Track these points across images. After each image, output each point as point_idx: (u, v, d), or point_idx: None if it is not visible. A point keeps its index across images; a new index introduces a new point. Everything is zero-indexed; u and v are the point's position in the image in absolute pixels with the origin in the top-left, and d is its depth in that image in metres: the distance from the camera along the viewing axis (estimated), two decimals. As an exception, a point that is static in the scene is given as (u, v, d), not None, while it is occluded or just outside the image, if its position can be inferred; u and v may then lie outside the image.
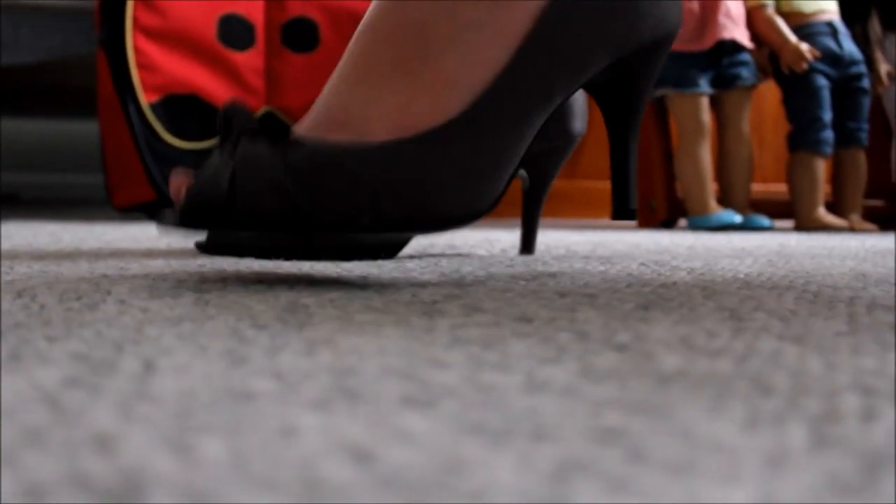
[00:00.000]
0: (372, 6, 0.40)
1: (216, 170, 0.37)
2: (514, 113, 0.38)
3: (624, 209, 0.45)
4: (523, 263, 0.56)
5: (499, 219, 1.67)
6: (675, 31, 0.44)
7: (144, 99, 1.30)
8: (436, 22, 0.38)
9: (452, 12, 0.38)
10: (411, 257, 0.60)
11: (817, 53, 1.45)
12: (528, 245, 0.65)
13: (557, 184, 1.77)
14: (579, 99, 0.60)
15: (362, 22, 0.40)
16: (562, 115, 0.58)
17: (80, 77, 1.83)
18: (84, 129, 2.61)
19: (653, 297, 0.38)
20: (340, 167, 0.36)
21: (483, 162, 0.38)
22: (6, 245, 0.68)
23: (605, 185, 1.82)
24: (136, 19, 1.29)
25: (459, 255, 0.64)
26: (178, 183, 0.40)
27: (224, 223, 0.36)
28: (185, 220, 0.37)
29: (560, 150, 0.60)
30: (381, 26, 0.38)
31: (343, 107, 0.37)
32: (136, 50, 1.29)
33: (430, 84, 0.37)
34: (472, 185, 0.38)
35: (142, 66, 1.30)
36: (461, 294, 0.38)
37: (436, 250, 0.68)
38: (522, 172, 0.60)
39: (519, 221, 1.53)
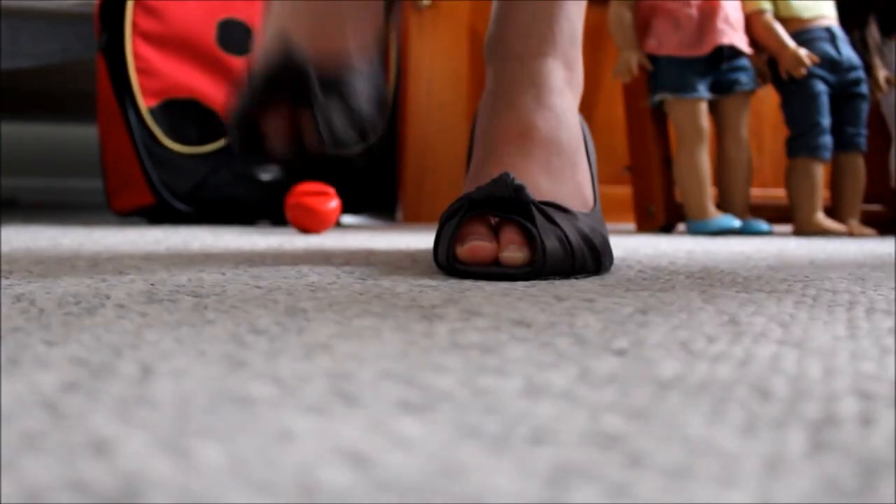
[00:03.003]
0: (519, 120, 0.55)
1: (561, 236, 0.48)
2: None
3: None
4: (522, 268, 0.56)
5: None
6: None
7: (144, 103, 1.30)
8: (569, 142, 0.55)
9: (574, 138, 0.56)
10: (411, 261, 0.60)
11: (816, 59, 1.46)
12: None
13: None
14: None
15: (516, 124, 0.55)
16: None
17: (80, 82, 1.83)
18: (83, 134, 2.61)
19: (652, 301, 0.38)
20: (588, 232, 0.50)
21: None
22: (5, 249, 0.68)
23: (605, 190, 1.82)
24: (135, 24, 1.30)
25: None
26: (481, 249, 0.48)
27: (569, 273, 0.48)
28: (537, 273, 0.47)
29: None
30: (536, 138, 0.54)
31: (548, 193, 0.52)
32: (136, 55, 1.29)
33: (580, 183, 0.54)
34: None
35: (141, 71, 1.30)
36: (460, 298, 0.38)
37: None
38: None
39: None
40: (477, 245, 0.48)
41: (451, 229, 0.49)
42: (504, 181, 0.48)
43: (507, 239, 0.48)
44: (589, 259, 0.50)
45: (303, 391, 0.21)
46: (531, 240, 0.48)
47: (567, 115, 0.56)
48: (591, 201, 0.55)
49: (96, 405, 0.19)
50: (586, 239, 0.50)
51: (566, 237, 0.48)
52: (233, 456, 0.16)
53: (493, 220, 0.50)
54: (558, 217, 0.49)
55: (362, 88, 0.56)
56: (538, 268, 0.47)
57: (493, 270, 0.47)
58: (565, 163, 0.54)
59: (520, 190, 0.48)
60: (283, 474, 0.15)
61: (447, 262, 0.49)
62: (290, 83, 0.53)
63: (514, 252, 0.47)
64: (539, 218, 0.48)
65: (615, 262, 0.62)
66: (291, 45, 0.55)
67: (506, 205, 0.48)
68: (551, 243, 0.47)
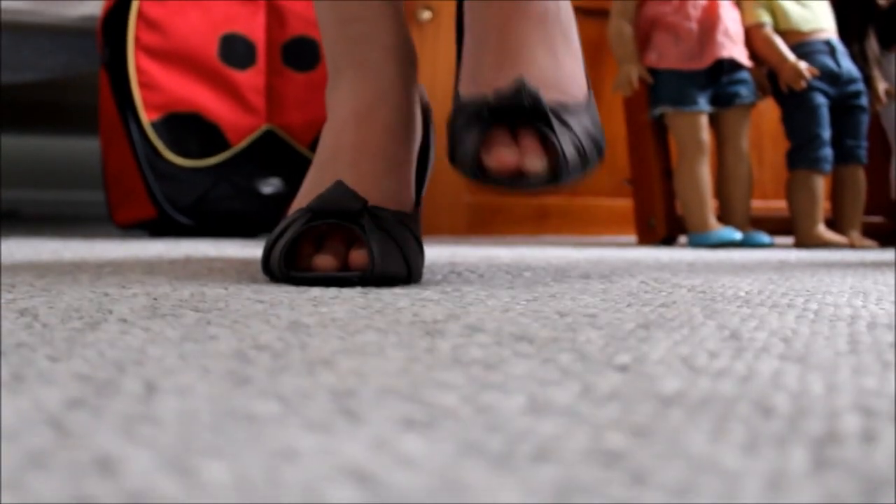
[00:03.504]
0: None
1: (576, 141, 0.50)
2: None
3: None
4: (523, 283, 0.56)
5: (498, 236, 1.67)
6: None
7: (146, 117, 1.30)
8: (564, 14, 0.54)
9: (566, 8, 0.55)
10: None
11: (816, 72, 1.46)
12: None
13: (557, 201, 1.77)
14: None
15: (510, 1, 0.53)
16: None
17: (82, 95, 1.84)
18: (85, 147, 2.62)
19: (653, 316, 0.38)
20: (592, 129, 0.52)
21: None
22: (7, 262, 0.68)
23: (606, 202, 1.82)
24: (137, 38, 1.30)
25: (459, 273, 0.64)
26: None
27: None
28: None
29: None
30: (532, 14, 0.53)
31: (552, 72, 0.52)
32: (138, 69, 1.30)
33: (576, 59, 0.55)
34: None
35: (143, 85, 1.30)
36: (462, 314, 0.38)
37: (436, 269, 0.68)
38: None
39: (517, 239, 1.53)
40: (503, 152, 0.48)
41: (475, 138, 0.49)
42: (522, 90, 0.49)
43: (527, 147, 0.49)
44: (595, 156, 0.52)
45: (306, 408, 0.21)
46: (546, 144, 0.49)
47: None
48: (584, 80, 0.55)
49: (101, 422, 0.19)
50: (593, 138, 0.52)
51: (580, 141, 0.50)
52: (237, 474, 0.16)
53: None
54: (570, 118, 0.50)
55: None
56: (560, 175, 0.48)
57: (518, 182, 0.48)
58: (562, 36, 0.54)
59: (538, 100, 0.49)
60: (287, 493, 0.15)
61: (472, 170, 0.49)
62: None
63: (535, 160, 0.48)
64: (556, 124, 0.49)
65: (616, 273, 0.63)
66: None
67: (522, 112, 0.49)
68: (569, 150, 0.49)
